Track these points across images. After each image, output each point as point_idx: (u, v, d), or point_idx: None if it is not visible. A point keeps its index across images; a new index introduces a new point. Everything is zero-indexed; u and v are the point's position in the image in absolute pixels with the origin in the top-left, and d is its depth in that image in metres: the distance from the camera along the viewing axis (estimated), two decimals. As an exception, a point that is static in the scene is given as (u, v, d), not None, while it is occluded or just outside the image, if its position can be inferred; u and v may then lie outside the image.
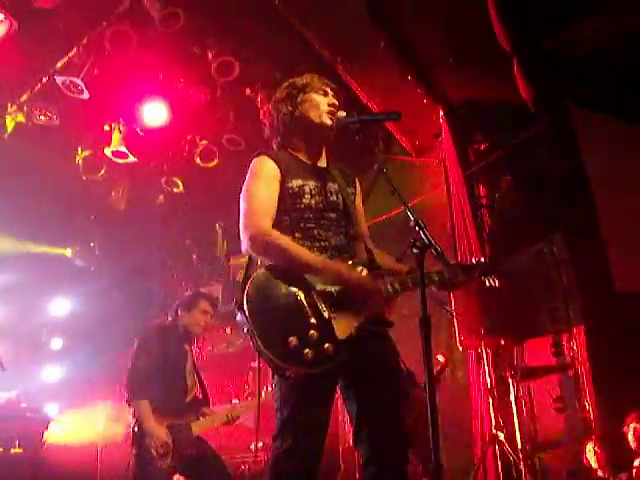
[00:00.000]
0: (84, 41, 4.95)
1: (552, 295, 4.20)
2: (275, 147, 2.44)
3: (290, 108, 2.34)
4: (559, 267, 4.02)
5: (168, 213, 6.24)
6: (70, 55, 4.93)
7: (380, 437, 2.12)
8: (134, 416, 3.57)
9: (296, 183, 2.25)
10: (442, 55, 4.74)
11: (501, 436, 4.17)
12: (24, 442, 4.66)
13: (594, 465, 3.75)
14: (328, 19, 4.70)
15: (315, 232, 2.21)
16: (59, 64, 4.94)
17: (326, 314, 2.06)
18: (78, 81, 4.94)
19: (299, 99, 2.35)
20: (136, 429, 3.53)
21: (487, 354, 4.49)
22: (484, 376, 4.55)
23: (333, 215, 2.27)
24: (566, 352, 4.29)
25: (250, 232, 2.14)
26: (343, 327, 2.05)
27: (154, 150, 5.72)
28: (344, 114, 2.35)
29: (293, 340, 1.97)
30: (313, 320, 2.03)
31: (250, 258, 2.21)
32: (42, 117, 5.05)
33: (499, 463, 4.17)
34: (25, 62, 4.88)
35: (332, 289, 2.12)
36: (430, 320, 1.95)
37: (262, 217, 2.16)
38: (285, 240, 2.14)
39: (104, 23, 4.86)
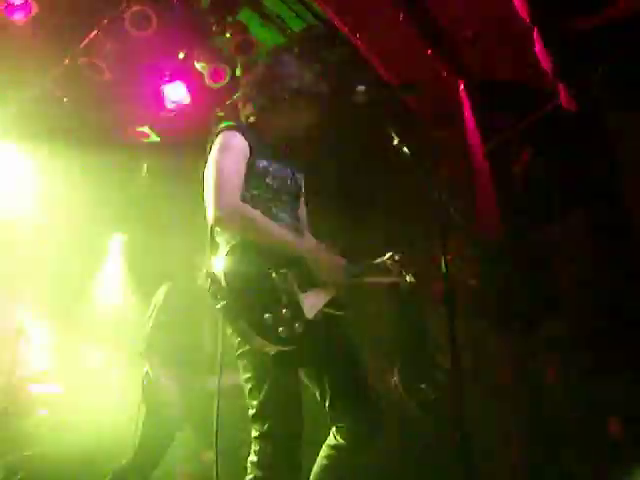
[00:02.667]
0: (105, 22, 5.00)
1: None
2: (242, 119, 2.45)
3: (278, 97, 2.35)
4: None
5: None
6: (91, 36, 4.99)
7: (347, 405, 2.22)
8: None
9: (261, 164, 2.31)
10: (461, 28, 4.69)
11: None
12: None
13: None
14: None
15: (273, 210, 2.29)
16: (81, 46, 5.00)
17: (296, 293, 2.10)
18: (100, 62, 5.02)
19: (290, 96, 2.36)
20: (145, 382, 3.64)
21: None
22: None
23: (287, 198, 2.37)
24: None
25: (222, 205, 2.14)
26: (309, 307, 2.10)
27: (177, 129, 5.77)
28: (363, 88, 2.34)
29: (269, 318, 2.00)
30: (284, 298, 2.06)
31: (214, 233, 2.22)
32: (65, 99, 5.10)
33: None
34: (47, 45, 4.95)
35: (299, 269, 2.15)
36: (454, 294, 2.01)
37: (233, 191, 2.18)
38: (257, 213, 2.18)
39: (124, 4, 4.90)
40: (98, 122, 5.58)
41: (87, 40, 4.95)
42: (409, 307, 3.68)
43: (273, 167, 2.35)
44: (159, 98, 5.40)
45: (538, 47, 4.07)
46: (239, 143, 2.28)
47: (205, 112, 5.56)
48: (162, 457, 3.56)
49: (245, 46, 5.03)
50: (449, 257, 1.96)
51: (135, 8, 4.81)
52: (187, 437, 3.79)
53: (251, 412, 2.13)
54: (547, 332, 3.61)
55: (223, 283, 2.01)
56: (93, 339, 5.55)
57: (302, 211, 2.51)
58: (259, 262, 2.10)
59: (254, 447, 2.11)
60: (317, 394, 2.31)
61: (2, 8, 4.50)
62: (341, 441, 2.24)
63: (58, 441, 4.74)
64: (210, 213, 2.16)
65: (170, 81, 5.36)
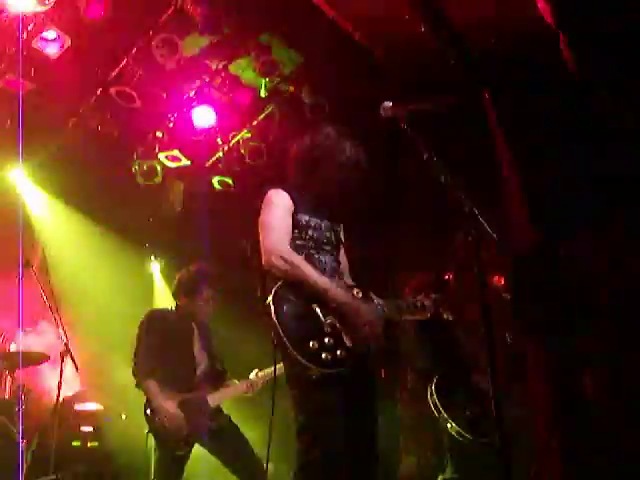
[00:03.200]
0: (133, 51, 5.17)
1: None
2: (290, 181, 2.76)
3: (323, 160, 2.69)
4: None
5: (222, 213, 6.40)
6: (121, 65, 5.16)
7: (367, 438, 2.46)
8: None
9: (304, 218, 2.63)
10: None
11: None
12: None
13: None
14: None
15: (316, 257, 2.58)
16: (112, 75, 5.17)
17: (337, 324, 2.37)
18: (130, 90, 5.19)
19: (333, 161, 2.69)
20: (148, 410, 3.64)
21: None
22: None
23: (328, 247, 2.67)
24: None
25: (273, 252, 2.46)
26: (348, 339, 2.37)
27: (204, 152, 5.90)
28: (390, 104, 2.41)
29: (314, 344, 2.27)
30: (327, 329, 2.34)
31: (268, 273, 2.49)
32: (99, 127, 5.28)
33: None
34: (80, 75, 5.13)
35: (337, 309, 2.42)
36: (490, 309, 2.02)
37: (282, 239, 2.52)
38: (301, 260, 2.47)
39: (151, 32, 5.06)
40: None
41: (117, 70, 5.11)
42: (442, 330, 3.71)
43: (314, 221, 2.66)
44: (188, 122, 5.54)
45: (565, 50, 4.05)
46: (284, 199, 2.62)
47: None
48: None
49: (269, 67, 5.14)
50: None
51: (162, 35, 4.97)
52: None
53: (296, 427, 2.37)
54: (582, 343, 3.57)
55: (272, 315, 2.30)
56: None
57: (343, 258, 2.80)
58: (304, 297, 2.40)
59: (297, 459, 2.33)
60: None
61: (37, 43, 4.67)
62: None
63: (104, 455, 4.97)
64: (263, 257, 2.49)
65: (198, 105, 5.49)
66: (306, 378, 2.32)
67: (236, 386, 3.94)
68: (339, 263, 2.72)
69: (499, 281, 2.78)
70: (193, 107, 5.52)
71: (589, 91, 4.33)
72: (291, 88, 5.28)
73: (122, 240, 6.13)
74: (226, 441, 3.71)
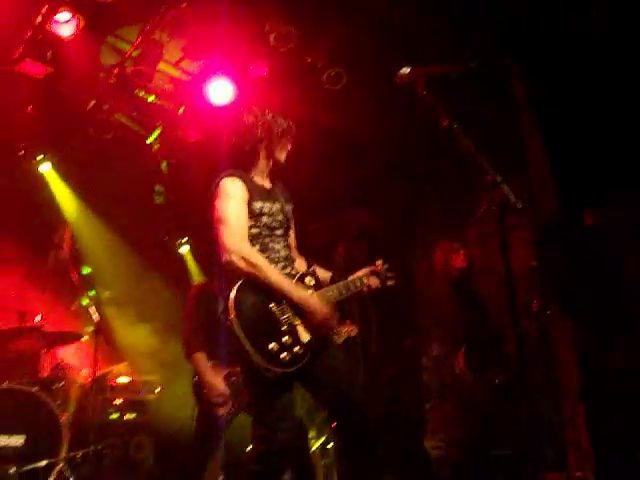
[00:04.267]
0: (147, 28, 5.15)
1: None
2: (235, 166, 2.74)
3: (266, 140, 2.73)
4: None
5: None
6: (136, 44, 5.15)
7: (343, 400, 2.54)
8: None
9: (258, 205, 2.63)
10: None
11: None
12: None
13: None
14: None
15: (270, 246, 2.63)
16: (129, 54, 5.17)
17: (293, 322, 2.47)
18: (146, 69, 5.19)
19: (275, 137, 2.74)
20: (195, 379, 3.78)
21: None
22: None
23: (280, 232, 2.71)
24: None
25: (233, 252, 2.48)
26: (304, 332, 2.49)
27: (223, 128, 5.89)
28: (407, 70, 2.37)
29: (274, 346, 2.37)
30: (284, 327, 2.44)
31: (225, 272, 2.53)
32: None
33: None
34: (96, 57, 5.15)
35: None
36: (514, 278, 2.03)
37: (242, 239, 2.54)
38: (261, 259, 2.51)
39: (163, 8, 5.03)
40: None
41: (134, 48, 5.11)
42: (471, 293, 3.73)
43: (267, 207, 2.67)
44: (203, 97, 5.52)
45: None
46: (240, 189, 2.62)
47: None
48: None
49: (284, 39, 5.08)
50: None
51: (175, 10, 4.94)
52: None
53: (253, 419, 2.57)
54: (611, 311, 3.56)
55: (233, 316, 2.37)
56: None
57: (292, 238, 2.86)
58: (261, 297, 2.47)
59: (253, 445, 2.53)
60: (314, 398, 2.70)
61: (50, 26, 4.68)
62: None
63: (141, 427, 5.22)
64: (223, 255, 2.50)
65: (213, 79, 5.47)
66: (263, 379, 2.42)
67: None
68: (290, 248, 2.79)
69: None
70: (209, 82, 5.50)
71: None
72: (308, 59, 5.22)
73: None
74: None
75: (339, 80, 5.17)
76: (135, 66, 5.11)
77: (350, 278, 2.80)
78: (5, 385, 3.88)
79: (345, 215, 6.29)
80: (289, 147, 2.81)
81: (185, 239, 6.69)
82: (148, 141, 5.91)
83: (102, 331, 4.57)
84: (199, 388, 3.75)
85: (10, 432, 3.68)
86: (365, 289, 2.77)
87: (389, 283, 2.85)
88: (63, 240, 4.81)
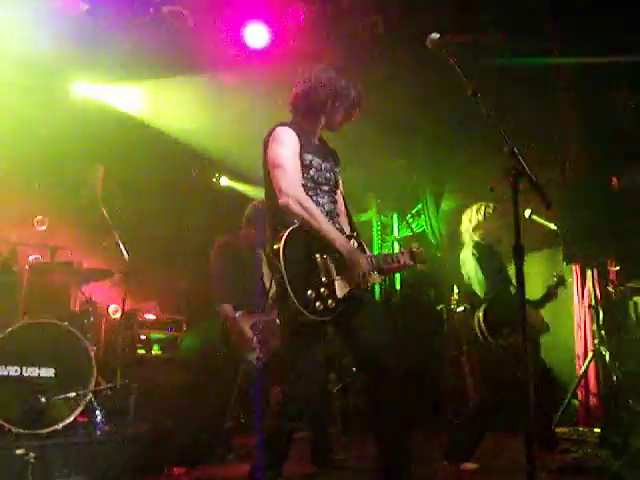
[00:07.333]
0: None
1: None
2: (292, 116, 2.79)
3: (329, 102, 2.73)
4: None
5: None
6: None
7: (372, 353, 2.59)
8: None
9: (308, 157, 2.69)
10: None
11: (603, 350, 4.16)
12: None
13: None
14: None
15: (314, 199, 2.67)
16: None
17: (332, 275, 2.56)
18: (182, 9, 5.15)
19: (340, 104, 2.74)
20: (224, 328, 3.92)
21: (593, 270, 4.39)
22: (588, 291, 4.48)
23: (326, 188, 2.76)
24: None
25: (290, 196, 2.56)
26: (341, 288, 2.57)
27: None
28: (437, 36, 2.35)
29: (311, 294, 2.46)
30: (324, 279, 2.53)
31: (280, 213, 2.59)
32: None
33: (600, 378, 4.17)
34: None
35: (337, 254, 2.59)
36: (524, 248, 2.04)
37: (298, 184, 2.61)
38: (314, 207, 2.57)
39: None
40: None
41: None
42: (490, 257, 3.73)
43: (316, 161, 2.73)
44: (239, 40, 5.46)
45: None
46: (294, 139, 2.66)
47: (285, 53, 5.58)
48: None
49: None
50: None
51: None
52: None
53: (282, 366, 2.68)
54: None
55: (281, 260, 2.46)
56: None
57: (340, 199, 2.89)
58: (308, 246, 2.56)
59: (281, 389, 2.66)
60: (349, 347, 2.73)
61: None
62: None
63: (167, 363, 5.44)
64: (279, 197, 2.57)
65: (249, 22, 5.39)
66: (295, 327, 2.56)
67: None
68: (335, 203, 2.83)
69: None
70: (246, 25, 5.43)
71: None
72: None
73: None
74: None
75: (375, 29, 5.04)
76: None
77: (387, 252, 2.85)
78: (36, 319, 4.02)
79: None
80: (352, 118, 2.82)
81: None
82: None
83: (132, 269, 4.71)
84: (227, 335, 3.91)
85: (41, 364, 3.84)
86: (396, 265, 2.84)
87: (419, 267, 2.90)
88: (95, 178, 4.92)
